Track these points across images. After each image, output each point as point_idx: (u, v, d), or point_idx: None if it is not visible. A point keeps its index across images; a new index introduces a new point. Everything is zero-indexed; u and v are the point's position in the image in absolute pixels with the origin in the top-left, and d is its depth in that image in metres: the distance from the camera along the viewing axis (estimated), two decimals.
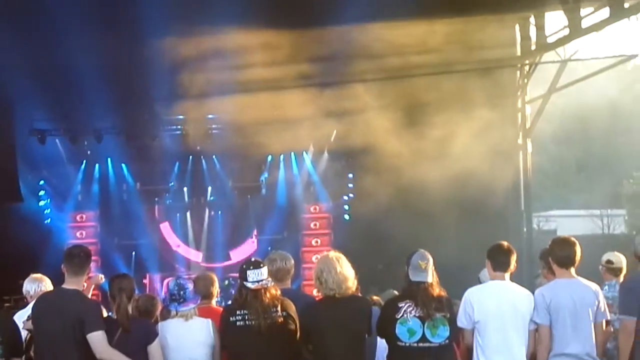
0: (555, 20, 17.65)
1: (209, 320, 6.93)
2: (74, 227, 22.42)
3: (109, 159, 22.55)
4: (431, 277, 6.79)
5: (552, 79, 18.66)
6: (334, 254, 6.91)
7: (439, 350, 6.66)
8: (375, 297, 8.93)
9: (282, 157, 22.39)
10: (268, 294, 6.67)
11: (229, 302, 7.18)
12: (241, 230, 23.00)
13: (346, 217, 22.35)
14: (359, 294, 7.48)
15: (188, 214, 23.18)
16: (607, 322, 7.37)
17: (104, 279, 7.44)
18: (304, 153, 22.28)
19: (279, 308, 6.68)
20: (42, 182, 22.46)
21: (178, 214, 23.25)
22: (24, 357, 7.00)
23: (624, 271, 8.76)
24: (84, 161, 22.54)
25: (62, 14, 14.81)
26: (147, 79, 17.48)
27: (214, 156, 22.46)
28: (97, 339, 6.52)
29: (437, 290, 6.76)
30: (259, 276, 6.69)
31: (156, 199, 23.19)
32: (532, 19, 18.14)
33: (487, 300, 6.96)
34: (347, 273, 6.75)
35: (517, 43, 18.95)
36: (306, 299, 7.51)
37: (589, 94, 27.26)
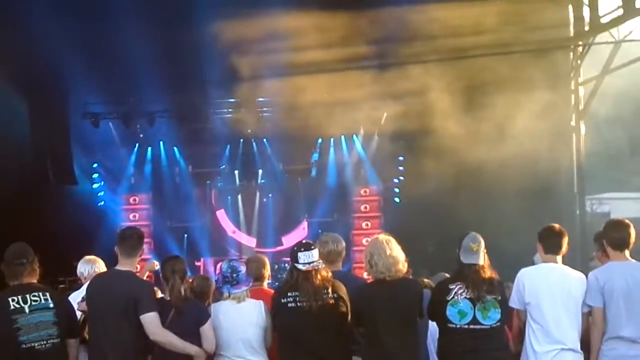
0: (609, 1, 17.38)
1: (261, 302, 6.96)
2: (127, 210, 22.65)
3: (161, 142, 22.75)
4: (482, 259, 6.76)
5: (606, 60, 18.38)
6: (384, 237, 6.89)
7: (490, 332, 6.64)
8: (425, 280, 8.90)
9: (332, 139, 22.39)
10: (319, 276, 6.68)
11: (281, 285, 7.21)
12: (292, 213, 23.08)
13: (396, 199, 22.31)
14: (410, 277, 7.47)
15: (239, 197, 23.30)
16: None
17: (158, 266, 7.49)
18: (354, 135, 22.25)
19: (329, 290, 6.69)
20: (95, 165, 22.73)
21: (229, 197, 23.38)
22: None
23: None
24: (137, 144, 22.77)
25: None
26: (199, 62, 17.62)
27: (264, 139, 22.53)
28: (150, 319, 6.59)
29: (488, 273, 6.73)
30: (309, 258, 6.72)
31: (208, 181, 23.34)
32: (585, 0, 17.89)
33: (538, 282, 6.92)
34: (397, 256, 6.74)
35: (571, 24, 18.70)
36: (357, 281, 7.53)
37: None
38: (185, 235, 22.70)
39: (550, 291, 6.85)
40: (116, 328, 6.64)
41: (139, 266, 7.10)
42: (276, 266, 18.51)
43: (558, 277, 6.95)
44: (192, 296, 7.25)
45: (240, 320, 6.85)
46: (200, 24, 16.10)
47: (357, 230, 22.10)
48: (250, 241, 22.92)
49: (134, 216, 22.48)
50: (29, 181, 18.99)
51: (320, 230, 19.32)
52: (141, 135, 22.48)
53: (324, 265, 6.82)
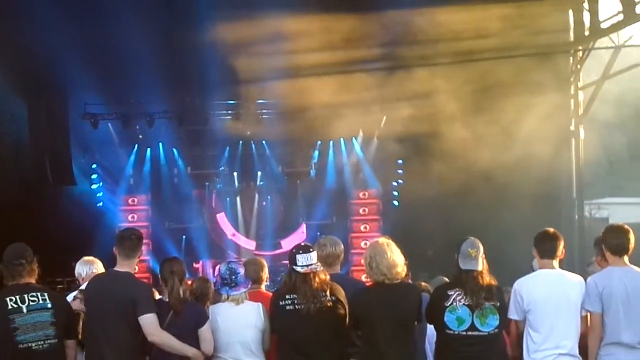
0: (609, 6, 17.40)
1: (260, 304, 6.96)
2: (126, 210, 22.65)
3: (160, 143, 22.76)
4: (481, 265, 6.74)
5: (606, 65, 18.40)
6: (384, 240, 6.88)
7: (488, 339, 6.63)
8: (423, 283, 8.89)
9: (331, 142, 22.40)
10: (317, 279, 6.68)
11: (279, 287, 7.20)
12: (290, 216, 23.08)
13: (395, 202, 22.31)
14: (410, 280, 7.46)
15: (238, 198, 23.31)
16: None
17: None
18: (353, 138, 22.26)
19: (328, 293, 6.68)
20: (94, 166, 22.73)
21: (228, 199, 23.38)
22: None
23: None
24: (136, 145, 22.78)
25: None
26: (199, 64, 17.60)
27: (263, 141, 22.53)
28: (148, 321, 6.58)
29: (487, 279, 6.71)
30: (308, 260, 6.71)
31: (207, 183, 23.34)
32: (585, 4, 17.90)
33: (536, 290, 6.88)
34: (397, 259, 6.73)
35: (571, 29, 18.71)
36: (356, 284, 7.51)
37: None
38: (184, 237, 22.70)
39: (549, 298, 6.81)
40: (114, 329, 6.63)
41: (137, 267, 7.08)
42: (274, 269, 18.49)
43: (556, 282, 6.92)
44: (191, 298, 7.25)
45: (239, 322, 6.85)
46: (200, 25, 16.11)
47: (355, 233, 22.11)
48: (249, 244, 22.93)
49: (133, 217, 22.47)
50: (28, 181, 18.99)
51: (318, 233, 19.34)
52: (140, 136, 22.49)
53: (322, 268, 6.81)
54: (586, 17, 18.07)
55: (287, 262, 7.02)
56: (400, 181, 22.08)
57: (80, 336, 7.03)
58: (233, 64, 17.01)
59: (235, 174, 23.09)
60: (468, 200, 17.89)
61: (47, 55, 16.78)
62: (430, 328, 7.26)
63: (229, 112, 21.47)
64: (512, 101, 16.73)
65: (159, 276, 7.01)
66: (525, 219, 15.92)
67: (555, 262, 7.04)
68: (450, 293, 6.72)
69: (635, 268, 7.04)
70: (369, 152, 22.41)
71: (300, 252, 6.75)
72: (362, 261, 6.97)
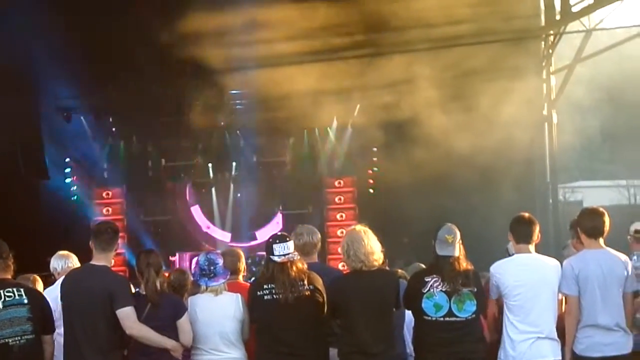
0: None
1: (238, 295, 6.95)
2: (101, 204, 22.46)
3: (134, 136, 22.59)
4: (458, 251, 6.77)
5: (577, 49, 18.49)
6: (361, 228, 6.91)
7: (465, 324, 6.67)
8: (400, 271, 8.90)
9: (305, 131, 22.34)
10: (294, 268, 6.68)
11: (256, 277, 7.19)
12: (266, 206, 23.01)
13: (371, 190, 22.31)
14: (387, 268, 7.47)
15: (213, 190, 23.20)
16: (637, 293, 7.32)
17: None
18: (328, 128, 22.22)
19: (305, 282, 6.69)
20: (68, 159, 22.53)
21: (203, 190, 23.29)
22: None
23: None
24: (110, 138, 22.61)
25: None
26: (171, 55, 17.48)
27: (238, 131, 22.46)
28: (126, 314, 6.56)
29: (463, 265, 6.75)
30: (285, 250, 6.71)
31: (182, 175, 23.24)
32: None
33: (513, 274, 6.89)
34: (374, 246, 6.76)
35: (542, 13, 18.77)
36: (333, 272, 7.54)
37: (614, 63, 27.01)
38: (160, 230, 22.61)
39: (525, 282, 6.83)
40: (92, 323, 6.60)
41: (113, 261, 7.04)
42: (249, 260, 18.46)
43: (533, 266, 6.95)
44: (169, 290, 7.23)
45: (218, 313, 6.84)
46: (172, 15, 16.00)
47: (331, 222, 22.04)
48: (224, 236, 22.85)
49: (108, 210, 22.28)
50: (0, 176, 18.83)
51: (294, 223, 19.28)
52: (114, 129, 22.34)
53: (299, 257, 6.82)
54: (557, 1, 18.14)
55: (263, 252, 7.00)
56: (375, 169, 22.06)
57: None
58: (205, 53, 16.91)
59: (210, 165, 22.98)
60: (445, 186, 17.92)
61: (17, 48, 16.64)
62: (409, 314, 7.27)
63: (203, 102, 21.34)
64: (489, 87, 16.73)
65: (135, 269, 6.98)
66: (502, 204, 15.98)
67: (532, 247, 7.06)
68: (427, 279, 6.74)
69: (611, 250, 7.09)
70: (343, 140, 22.37)
71: (277, 241, 6.75)
72: (339, 249, 6.99)
